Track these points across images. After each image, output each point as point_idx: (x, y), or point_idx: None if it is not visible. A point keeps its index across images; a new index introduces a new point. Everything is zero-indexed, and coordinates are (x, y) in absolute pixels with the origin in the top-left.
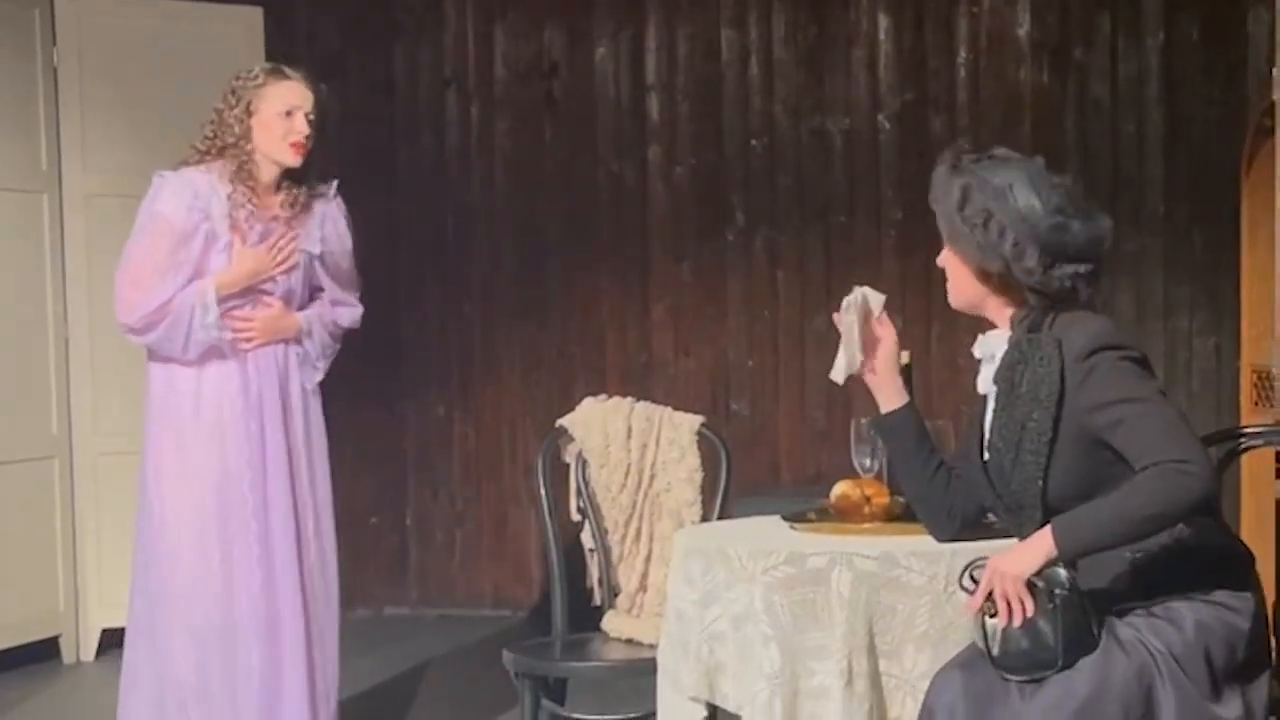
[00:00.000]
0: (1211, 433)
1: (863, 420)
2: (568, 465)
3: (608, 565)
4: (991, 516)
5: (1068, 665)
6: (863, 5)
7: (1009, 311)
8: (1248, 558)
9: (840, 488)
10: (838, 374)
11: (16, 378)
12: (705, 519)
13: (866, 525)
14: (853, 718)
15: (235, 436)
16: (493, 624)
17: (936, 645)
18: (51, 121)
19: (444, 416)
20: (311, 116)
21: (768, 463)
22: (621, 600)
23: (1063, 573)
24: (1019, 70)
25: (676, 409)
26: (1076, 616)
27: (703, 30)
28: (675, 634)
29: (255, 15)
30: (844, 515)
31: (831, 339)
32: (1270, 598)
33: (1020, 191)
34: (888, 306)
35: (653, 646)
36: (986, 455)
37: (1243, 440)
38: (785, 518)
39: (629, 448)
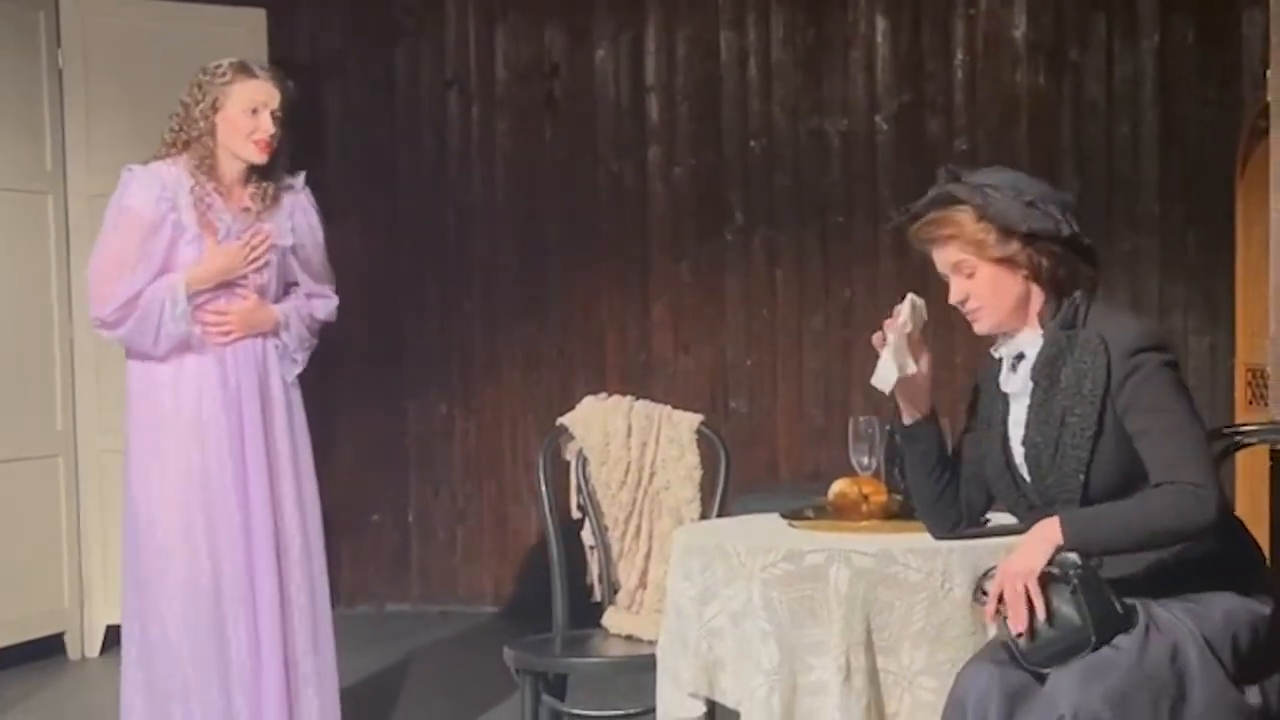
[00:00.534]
0: (1207, 431)
1: (860, 419)
2: (568, 463)
3: (608, 562)
4: (989, 517)
5: (1103, 642)
6: (860, 7)
7: (1039, 310)
8: (1262, 558)
9: (838, 485)
10: (885, 381)
11: (22, 376)
12: (704, 516)
13: (864, 523)
14: (850, 713)
15: (215, 430)
16: (493, 620)
17: (933, 641)
18: (56, 122)
19: (445, 414)
20: (278, 114)
21: (766, 461)
22: (621, 597)
23: (1072, 555)
24: (1015, 72)
25: (676, 407)
26: (1097, 593)
27: (702, 32)
28: (674, 630)
29: (258, 16)
30: (842, 513)
31: (829, 338)
32: None
33: (1022, 178)
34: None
35: (652, 643)
36: (1021, 450)
37: (1238, 438)
38: (783, 515)
39: (629, 446)
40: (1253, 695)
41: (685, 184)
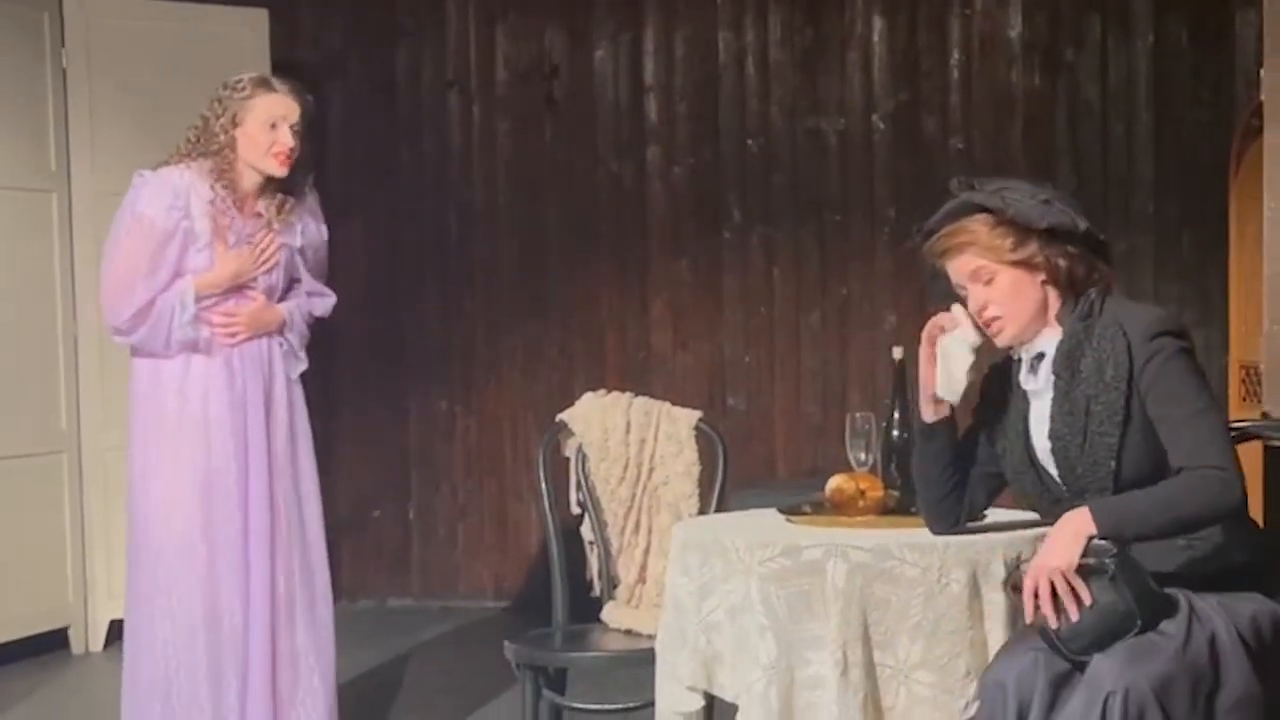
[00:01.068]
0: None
1: (857, 415)
2: (568, 459)
3: (607, 557)
4: (987, 514)
5: (1149, 625)
6: (857, 8)
7: (1056, 312)
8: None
9: (835, 481)
10: (954, 393)
11: (26, 375)
12: (703, 512)
13: (861, 518)
14: (848, 707)
15: (220, 431)
16: (494, 615)
17: (930, 636)
18: (60, 122)
19: (446, 411)
20: (298, 127)
21: (764, 457)
22: (621, 592)
23: (1104, 543)
24: (1010, 72)
25: (675, 404)
26: (1136, 576)
27: (700, 33)
28: (673, 625)
29: (260, 17)
30: (839, 508)
31: (826, 336)
32: None
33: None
34: (881, 302)
35: (651, 637)
36: (1047, 445)
37: (1231, 433)
38: (781, 510)
39: (628, 442)
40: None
41: (684, 183)
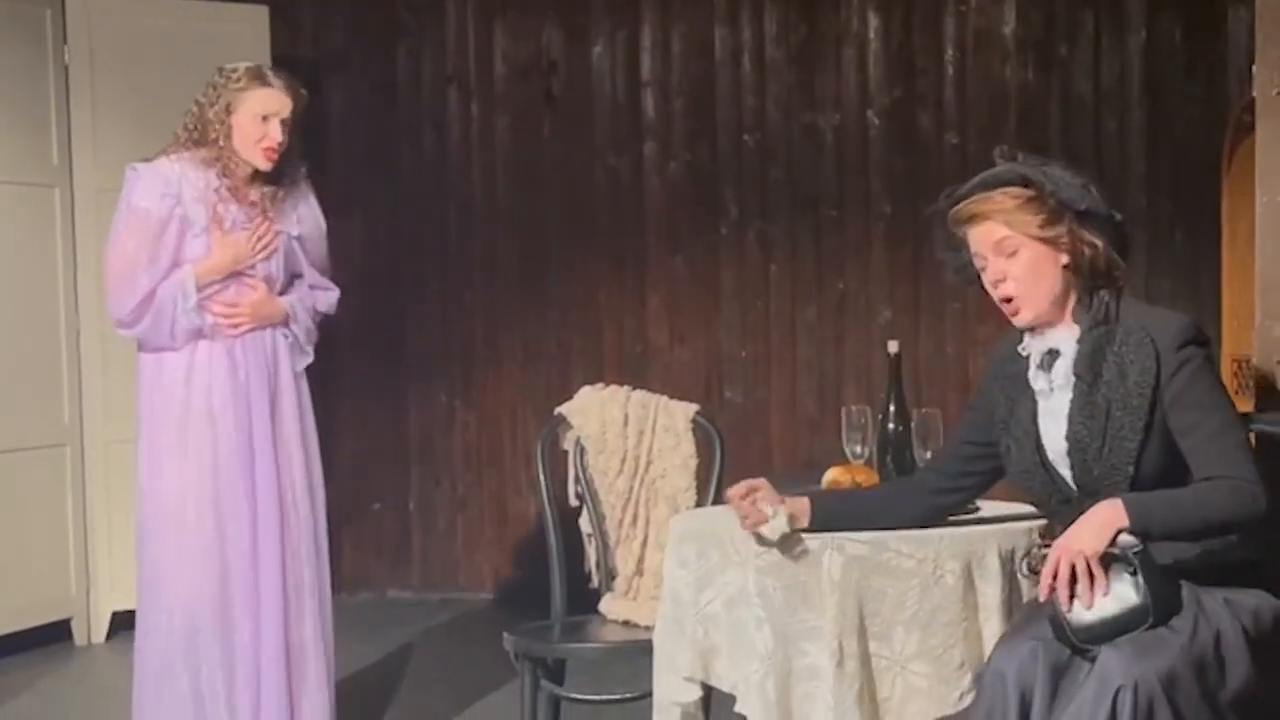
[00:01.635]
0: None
1: (852, 408)
2: (566, 452)
3: (605, 549)
4: (978, 505)
5: (1159, 622)
6: (853, 5)
7: (1073, 308)
8: None
9: (831, 474)
10: (778, 531)
11: (29, 368)
12: (700, 504)
13: None
14: (844, 698)
15: (225, 422)
16: (493, 607)
17: (925, 627)
18: (63, 117)
19: (446, 405)
20: (288, 122)
21: (761, 449)
22: (619, 583)
23: (1130, 537)
24: (1004, 68)
25: (672, 397)
26: (1156, 574)
27: (696, 29)
28: (670, 616)
29: (261, 13)
30: None
31: (822, 330)
32: None
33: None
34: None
35: (649, 628)
36: (1063, 445)
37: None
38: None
39: (625, 435)
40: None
41: (681, 178)
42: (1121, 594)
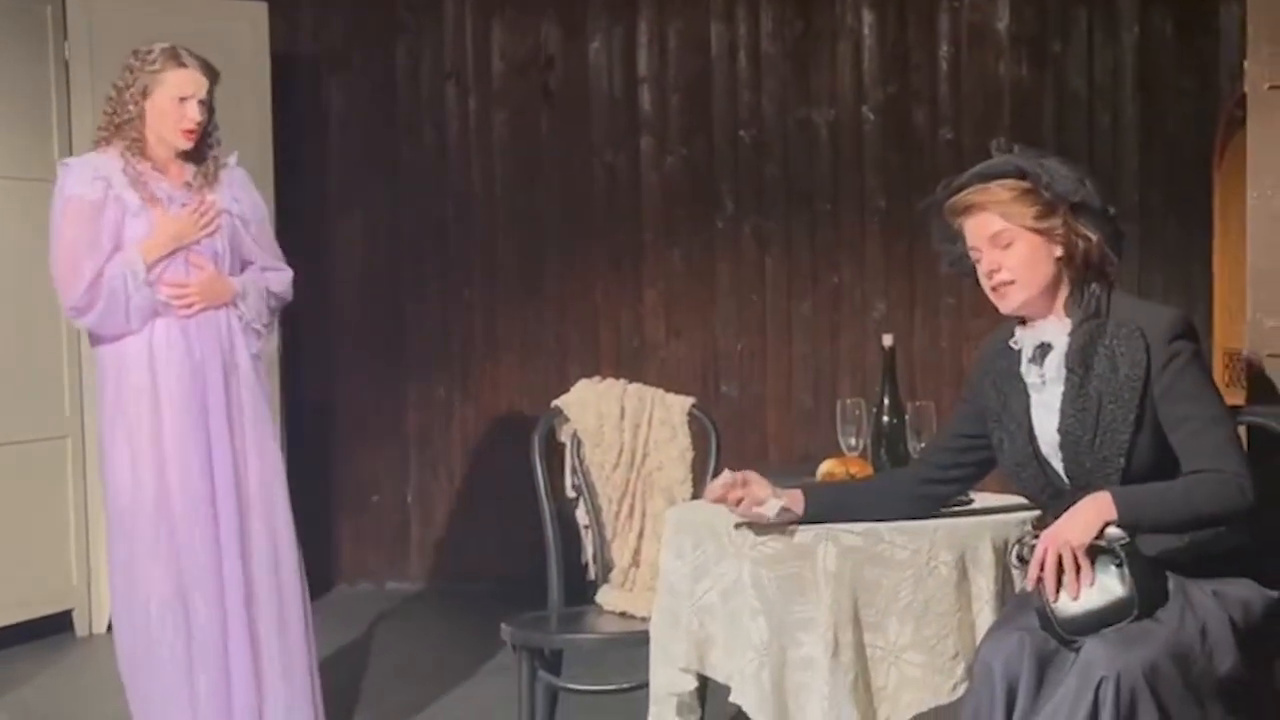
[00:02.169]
0: None
1: (847, 401)
2: (563, 445)
3: (602, 541)
4: (971, 496)
5: (1144, 614)
6: (847, 1)
7: (1064, 301)
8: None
9: (826, 466)
10: (772, 510)
11: (30, 361)
12: (696, 497)
13: None
14: (838, 688)
15: (181, 403)
16: (490, 598)
17: (919, 617)
18: (63, 113)
19: (444, 398)
20: (205, 101)
21: (756, 442)
22: (615, 575)
23: (1117, 530)
24: (998, 63)
25: (668, 390)
26: (1142, 567)
27: (692, 25)
28: (667, 607)
29: (260, 11)
30: None
31: (817, 324)
32: None
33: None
34: (871, 291)
35: (645, 619)
36: (1056, 438)
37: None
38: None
39: (622, 428)
40: (1264, 675)
41: (677, 173)
42: (1107, 586)
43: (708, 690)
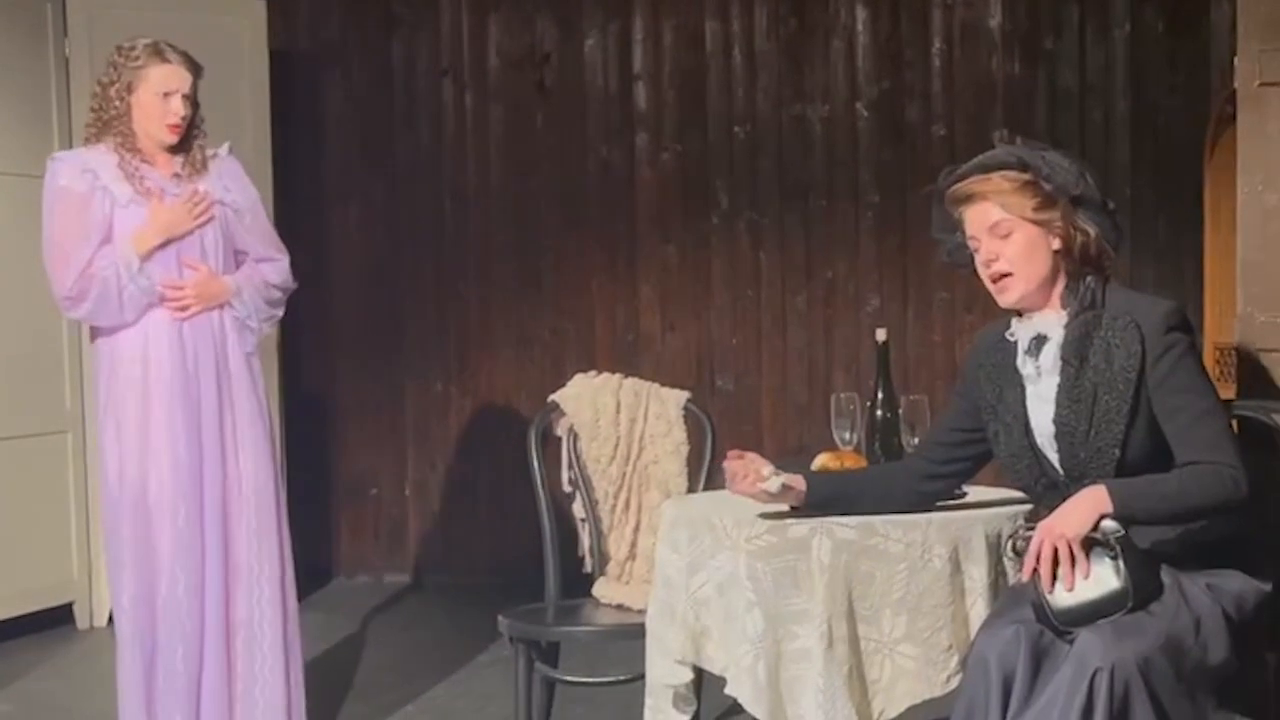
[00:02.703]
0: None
1: (841, 395)
2: (560, 439)
3: (598, 534)
4: (965, 490)
5: (1138, 606)
6: None
7: (1060, 293)
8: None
9: (821, 460)
10: (774, 485)
11: (31, 356)
12: (691, 490)
13: None
14: (833, 679)
15: (173, 404)
16: (488, 590)
17: (913, 610)
18: (63, 109)
19: (441, 392)
20: (189, 96)
21: (751, 436)
22: (611, 568)
23: (1112, 522)
24: (991, 60)
25: (663, 385)
26: (1138, 558)
27: (687, 22)
28: (663, 600)
29: (258, 7)
30: None
31: (811, 318)
32: None
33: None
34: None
35: (641, 612)
36: (1051, 429)
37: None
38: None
39: (618, 422)
40: (1257, 667)
41: (672, 169)
42: (1102, 578)
43: (704, 682)
